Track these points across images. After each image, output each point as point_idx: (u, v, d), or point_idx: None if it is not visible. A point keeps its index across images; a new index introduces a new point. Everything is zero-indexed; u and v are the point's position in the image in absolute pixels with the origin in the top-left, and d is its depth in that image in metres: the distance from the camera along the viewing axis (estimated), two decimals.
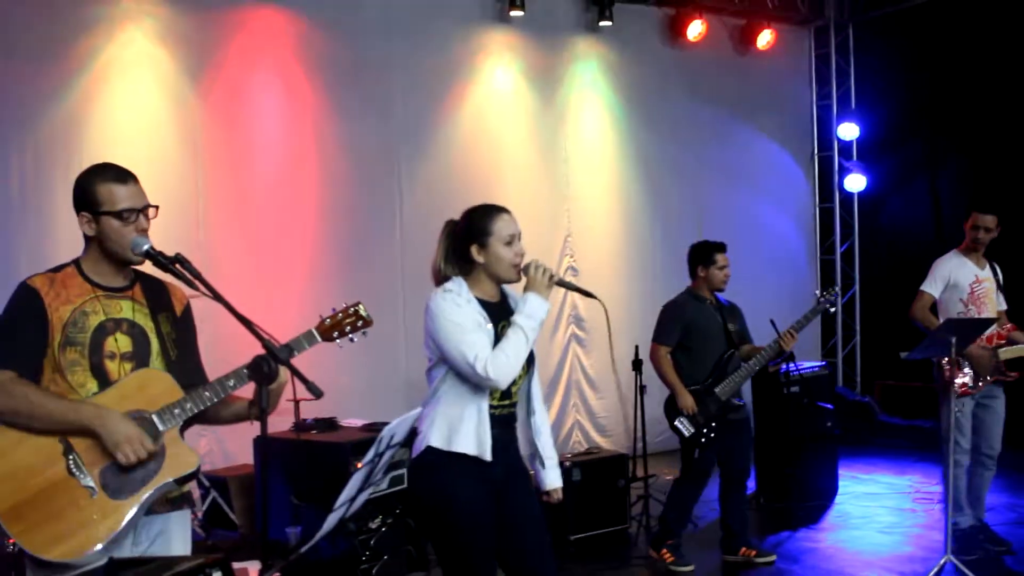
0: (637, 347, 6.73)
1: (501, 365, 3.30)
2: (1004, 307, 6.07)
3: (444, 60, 8.31)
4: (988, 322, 5.67)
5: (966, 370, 5.83)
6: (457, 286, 3.45)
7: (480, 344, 3.33)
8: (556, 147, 8.97)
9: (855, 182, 10.89)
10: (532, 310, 3.40)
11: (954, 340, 5.32)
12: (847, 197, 11.18)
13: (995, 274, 6.11)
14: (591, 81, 9.26)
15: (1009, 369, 5.88)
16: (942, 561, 5.39)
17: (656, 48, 9.65)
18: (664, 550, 5.92)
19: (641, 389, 6.82)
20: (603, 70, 9.32)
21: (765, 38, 10.14)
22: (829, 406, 7.78)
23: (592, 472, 6.49)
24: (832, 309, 6.13)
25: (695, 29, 9.50)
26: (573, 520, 6.35)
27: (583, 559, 6.12)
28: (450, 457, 3.37)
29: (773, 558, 5.93)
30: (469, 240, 3.48)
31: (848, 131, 10.92)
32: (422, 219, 7.41)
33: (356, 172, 7.80)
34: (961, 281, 5.97)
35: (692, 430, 5.67)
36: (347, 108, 7.76)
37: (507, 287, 3.63)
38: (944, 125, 10.41)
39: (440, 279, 3.54)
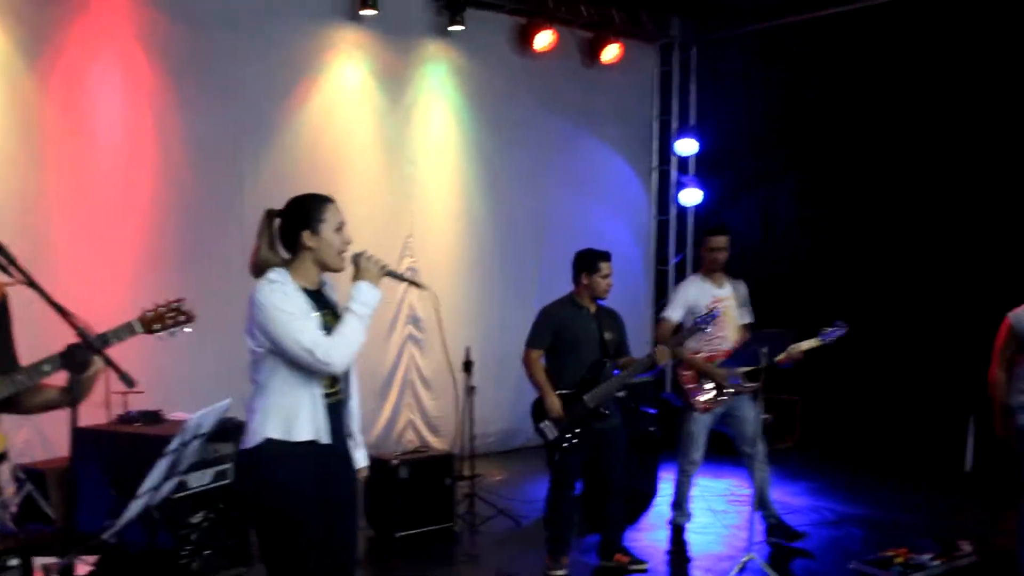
0: (468, 348, 6.87)
1: (340, 350, 3.39)
2: (747, 320, 6.50)
3: (292, 54, 8.24)
4: (793, 333, 6.02)
5: (707, 387, 6.23)
6: (281, 276, 3.48)
7: (314, 331, 3.39)
8: (402, 148, 9.01)
9: (691, 196, 11.30)
10: (366, 298, 3.49)
11: (765, 350, 5.66)
12: (683, 210, 11.60)
13: (736, 291, 6.53)
14: (440, 84, 9.34)
15: (749, 380, 6.27)
16: (744, 559, 5.73)
17: (506, 55, 9.80)
18: (620, 555, 5.99)
19: (469, 390, 6.94)
20: (452, 74, 9.42)
21: (612, 52, 10.42)
22: (653, 411, 8.10)
23: (419, 470, 6.57)
24: (825, 341, 6.31)
25: (544, 39, 9.69)
26: (400, 517, 6.44)
27: (409, 556, 6.20)
28: (290, 447, 3.41)
29: (645, 566, 5.99)
30: (300, 226, 3.52)
31: (686, 146, 11.32)
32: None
33: (198, 163, 7.66)
34: (699, 303, 6.36)
35: (556, 434, 5.65)
36: (191, 98, 7.62)
37: (324, 277, 3.68)
38: (777, 145, 10.93)
39: (259, 270, 3.55)
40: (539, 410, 5.74)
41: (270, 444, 3.41)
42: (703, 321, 6.00)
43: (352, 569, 3.70)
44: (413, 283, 3.91)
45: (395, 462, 6.50)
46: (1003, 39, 8.80)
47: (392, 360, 8.85)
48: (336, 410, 3.57)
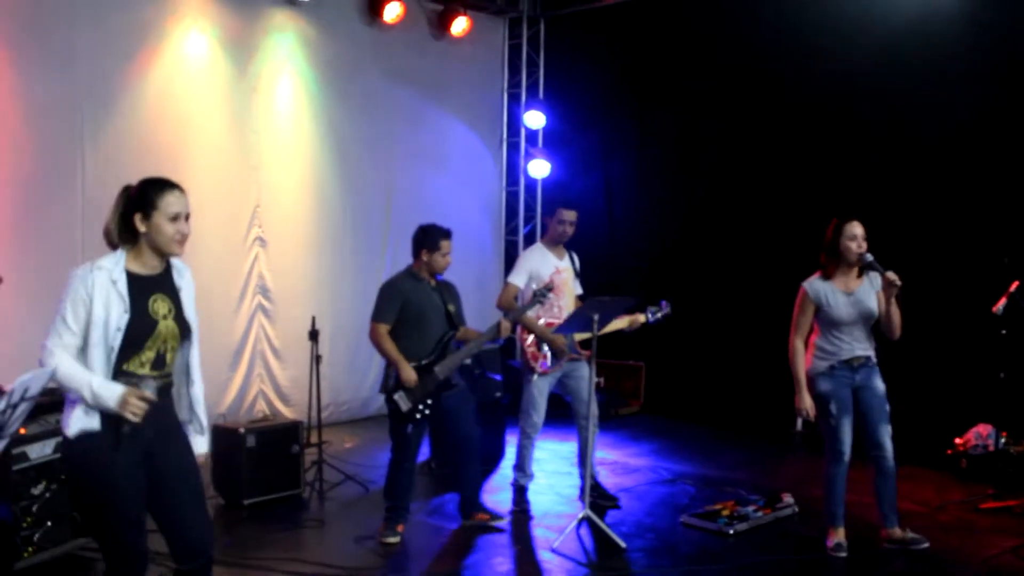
0: (314, 318, 6.93)
1: (52, 363, 3.40)
2: (579, 292, 6.74)
3: (134, 19, 8.04)
4: (628, 301, 6.29)
5: (547, 351, 6.51)
6: (112, 262, 3.51)
7: (68, 335, 3.43)
8: (248, 117, 8.92)
9: (539, 168, 11.54)
10: (103, 398, 3.40)
11: (597, 317, 5.91)
12: (531, 182, 11.84)
13: (572, 263, 6.79)
14: (287, 54, 9.27)
15: (583, 346, 6.57)
16: (581, 515, 6.00)
17: (354, 26, 9.78)
18: (479, 513, 6.17)
19: (317, 359, 7.00)
20: (300, 44, 9.36)
21: (460, 25, 10.53)
22: (498, 377, 8.33)
23: (267, 438, 6.63)
24: (650, 322, 6.49)
25: (392, 11, 9.72)
26: (247, 485, 6.49)
27: (257, 523, 6.24)
28: (101, 432, 3.45)
29: (504, 519, 6.25)
30: (135, 209, 3.54)
31: (535, 119, 11.54)
32: (106, 183, 7.18)
33: (34, 129, 7.44)
34: (542, 272, 6.59)
35: (409, 404, 5.76)
36: (26, 60, 7.38)
37: (176, 261, 3.71)
38: (622, 119, 11.25)
39: (112, 242, 3.58)
40: (390, 382, 5.84)
41: (82, 432, 3.47)
42: (543, 293, 6.20)
43: (207, 543, 3.74)
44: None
45: (242, 430, 6.54)
46: (833, 22, 9.28)
47: (242, 330, 8.81)
48: (160, 392, 3.58)
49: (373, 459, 8.06)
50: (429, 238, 5.97)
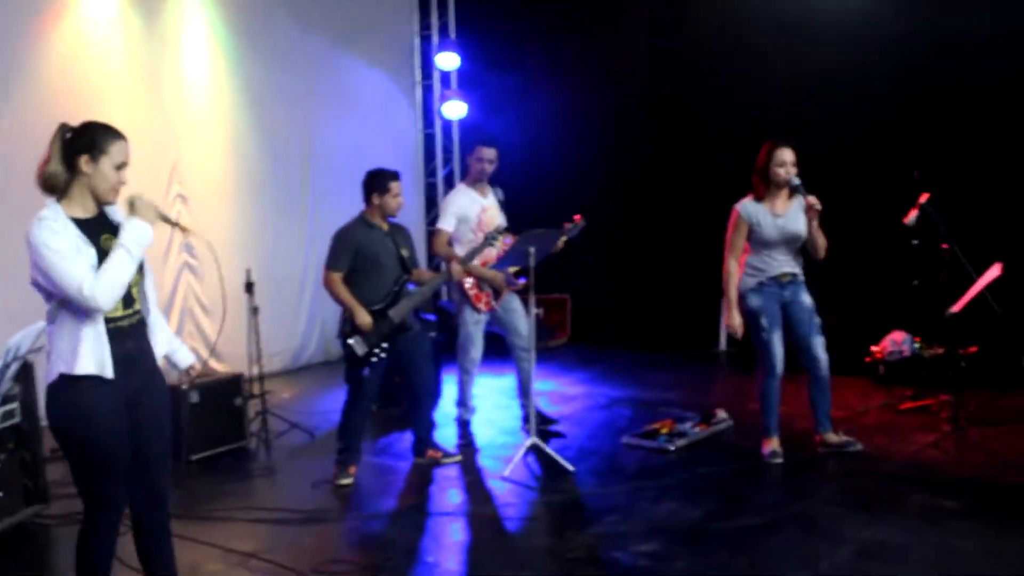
0: (249, 270, 6.94)
1: (104, 288, 3.39)
2: (505, 225, 6.77)
3: None
4: (560, 232, 6.41)
5: (487, 289, 6.66)
6: (53, 212, 3.46)
7: (82, 269, 3.39)
8: (161, 72, 8.77)
9: (454, 109, 11.57)
10: (137, 234, 3.49)
11: (532, 250, 6.05)
12: (447, 124, 11.87)
13: (498, 197, 6.91)
14: (196, 6, 9.11)
15: (517, 278, 6.75)
16: (528, 443, 6.19)
17: None
18: (432, 451, 6.31)
19: (254, 310, 7.02)
20: None
21: None
22: (433, 317, 8.44)
23: (209, 393, 6.63)
24: (571, 237, 6.54)
25: None
26: (192, 441, 6.50)
27: (206, 477, 6.26)
28: (78, 380, 3.45)
29: (459, 457, 6.38)
30: (82, 150, 3.49)
31: (448, 61, 11.55)
32: (21, 141, 7.09)
33: None
34: (470, 213, 6.71)
35: (365, 348, 5.82)
36: None
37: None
38: (534, 57, 11.34)
39: (46, 183, 3.52)
40: (346, 328, 5.89)
41: (63, 379, 3.46)
42: (492, 238, 6.28)
43: (167, 494, 3.81)
44: (183, 229, 3.98)
45: (184, 386, 6.53)
46: None
47: (169, 288, 8.72)
48: (135, 333, 3.62)
49: (313, 406, 8.16)
50: (379, 181, 5.99)
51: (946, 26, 8.41)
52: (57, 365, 3.47)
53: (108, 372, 3.49)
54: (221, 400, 6.73)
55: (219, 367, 8.87)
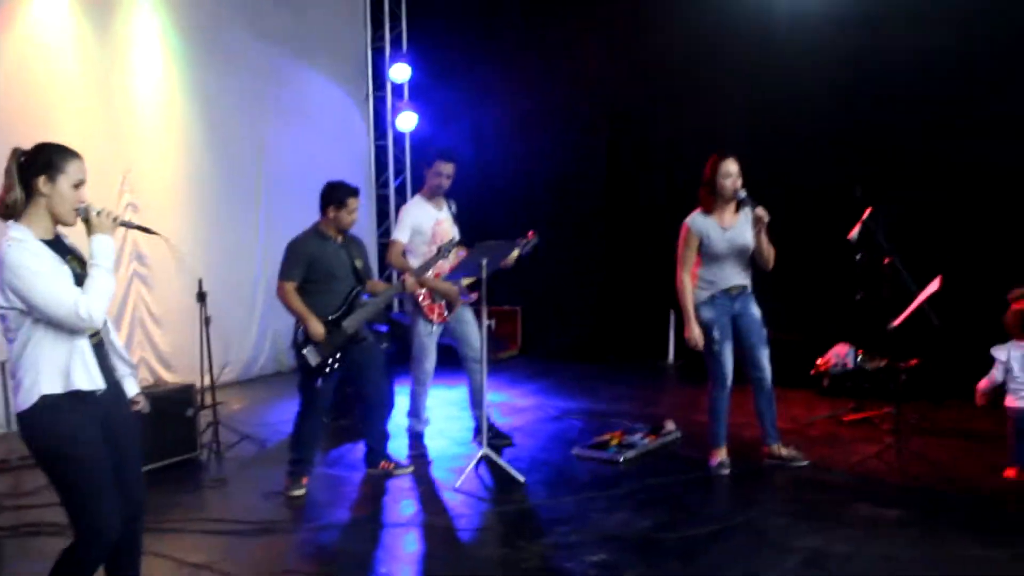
0: (200, 280, 6.92)
1: (96, 305, 3.42)
2: (458, 238, 6.84)
3: None
4: (513, 244, 6.47)
5: (440, 301, 6.74)
6: (24, 234, 3.44)
7: (70, 289, 3.41)
8: (112, 79, 8.71)
9: (407, 121, 11.63)
10: (107, 250, 3.53)
11: (485, 262, 6.11)
12: (399, 135, 11.91)
13: (451, 210, 6.98)
14: (148, 14, 9.07)
15: (470, 290, 6.83)
16: (480, 454, 6.25)
17: None
18: (383, 461, 6.31)
19: (206, 320, 7.00)
20: (161, 4, 9.17)
21: None
22: (385, 328, 8.47)
23: (161, 404, 6.56)
24: (523, 253, 6.57)
25: None
26: (144, 451, 6.44)
27: (157, 488, 6.18)
28: (68, 398, 3.44)
29: (411, 468, 6.41)
30: (38, 171, 3.48)
31: (400, 73, 11.61)
32: None
33: None
34: (424, 225, 6.80)
35: (319, 359, 5.82)
36: None
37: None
38: (489, 68, 11.42)
39: (7, 210, 3.50)
40: (299, 338, 5.89)
41: (45, 400, 3.43)
42: (446, 250, 6.32)
43: (143, 502, 3.81)
44: (146, 231, 4.00)
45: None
46: None
47: (120, 298, 8.64)
48: (100, 351, 3.63)
49: (263, 418, 8.15)
50: (337, 194, 6.00)
51: (894, 46, 8.62)
52: (38, 386, 3.42)
53: (101, 384, 3.51)
54: (172, 411, 6.69)
55: (169, 377, 8.84)
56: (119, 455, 3.66)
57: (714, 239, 5.97)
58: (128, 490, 3.70)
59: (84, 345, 3.51)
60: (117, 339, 3.84)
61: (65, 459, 3.49)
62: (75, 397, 3.47)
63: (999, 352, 5.84)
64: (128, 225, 3.85)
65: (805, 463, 6.20)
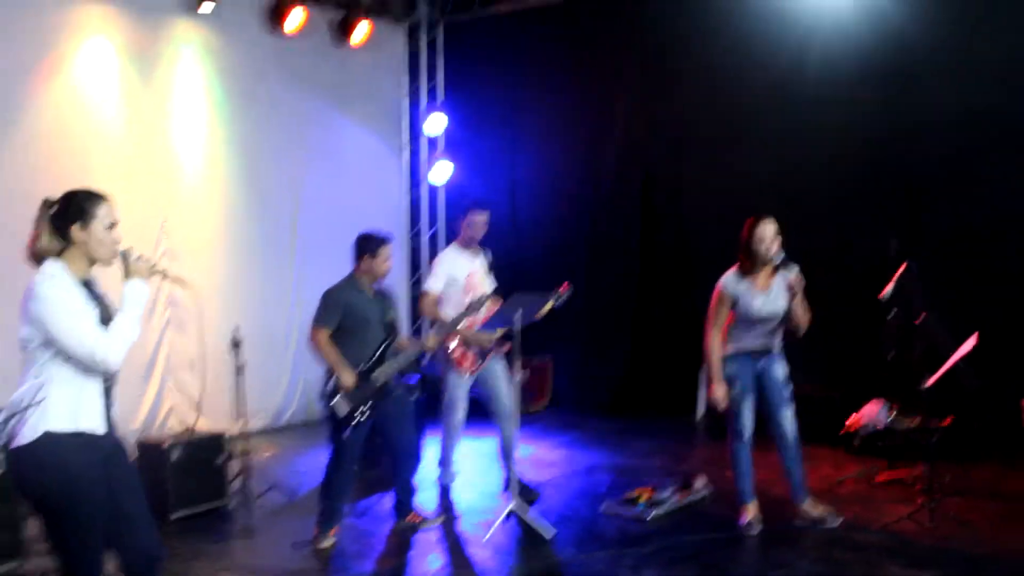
0: (237, 327, 6.99)
1: (115, 349, 3.50)
2: (493, 287, 6.87)
3: (34, 28, 7.96)
4: (547, 296, 6.48)
5: (472, 352, 6.74)
6: (58, 269, 3.54)
7: (93, 330, 3.48)
8: (155, 129, 8.88)
9: (441, 172, 11.71)
10: (139, 296, 3.64)
11: (519, 314, 6.13)
12: (434, 186, 12.00)
13: (486, 259, 6.99)
14: (192, 64, 9.24)
15: (501, 342, 6.83)
16: (508, 509, 6.22)
17: (256, 35, 9.76)
18: (411, 514, 6.33)
19: (240, 368, 7.04)
20: (204, 54, 9.33)
21: (361, 32, 10.60)
22: (415, 379, 8.49)
23: (191, 451, 6.64)
24: (556, 306, 6.62)
25: (294, 20, 9.76)
26: (173, 499, 6.50)
27: (185, 536, 6.23)
28: (74, 437, 3.49)
29: (439, 520, 6.42)
30: (72, 220, 3.59)
31: (435, 124, 11.71)
32: (10, 198, 7.19)
33: None
34: (458, 275, 6.81)
35: (348, 408, 5.84)
36: None
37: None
38: (521, 121, 11.53)
39: (37, 258, 3.60)
40: (329, 387, 5.91)
41: (50, 437, 3.46)
42: (476, 306, 6.35)
43: (159, 553, 3.83)
44: (178, 281, 4.07)
45: (166, 444, 6.56)
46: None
47: (153, 343, 8.74)
48: (108, 396, 3.68)
49: (294, 466, 8.18)
50: (370, 244, 6.05)
51: (926, 102, 8.62)
52: (44, 423, 3.46)
53: (104, 427, 3.57)
54: (202, 459, 6.73)
55: (201, 423, 8.87)
56: (125, 503, 3.69)
57: (746, 302, 5.95)
58: (142, 539, 3.73)
59: (95, 387, 3.57)
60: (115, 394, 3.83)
61: (67, 497, 3.50)
62: (79, 437, 3.51)
63: None
64: (164, 274, 3.91)
65: (837, 522, 6.12)
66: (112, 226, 3.65)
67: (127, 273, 3.67)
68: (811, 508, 6.19)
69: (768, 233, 5.90)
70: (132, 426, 8.23)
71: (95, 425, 3.56)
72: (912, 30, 8.64)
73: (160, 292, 8.76)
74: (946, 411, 7.73)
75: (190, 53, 9.25)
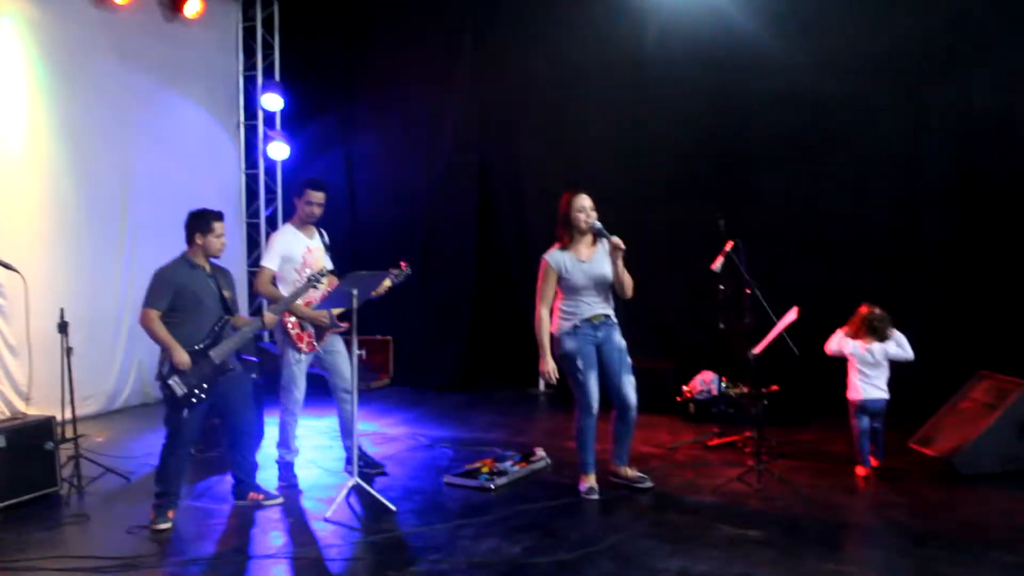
0: (63, 310, 6.74)
1: None
2: (331, 267, 6.86)
3: None
4: (384, 275, 6.51)
5: (309, 330, 6.73)
6: None
7: None
8: None
9: (278, 150, 11.54)
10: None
11: (355, 292, 6.12)
12: (271, 164, 11.81)
13: (323, 240, 6.98)
14: (10, 38, 8.80)
15: (340, 320, 6.84)
16: (349, 483, 6.22)
17: (81, 7, 9.40)
18: (251, 492, 6.22)
19: (68, 351, 6.80)
20: (25, 27, 8.89)
21: (194, 7, 10.36)
22: (255, 359, 8.38)
23: (18, 437, 6.38)
24: (395, 284, 6.54)
25: None
26: (0, 488, 6.25)
27: (15, 524, 5.99)
28: None
29: (281, 499, 6.33)
30: None
31: (272, 102, 11.52)
32: None
33: None
34: (294, 253, 6.76)
35: (185, 389, 5.75)
36: None
37: None
38: (358, 98, 11.46)
39: None
40: (165, 368, 5.81)
41: None
42: (315, 279, 6.32)
43: None
44: (5, 266, 3.92)
45: None
46: None
47: None
48: None
49: (128, 451, 7.95)
50: (202, 221, 5.99)
51: (751, 88, 9.01)
52: None
53: None
54: (30, 444, 6.48)
55: (28, 410, 8.53)
56: None
57: (572, 271, 6.13)
58: None
59: None
60: None
61: None
62: None
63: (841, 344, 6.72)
64: None
65: (650, 484, 6.40)
66: None
67: None
68: (627, 471, 6.46)
69: (585, 204, 6.15)
70: None
71: None
72: (742, 18, 9.01)
73: None
74: (773, 380, 8.13)
75: (8, 25, 8.79)
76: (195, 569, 5.17)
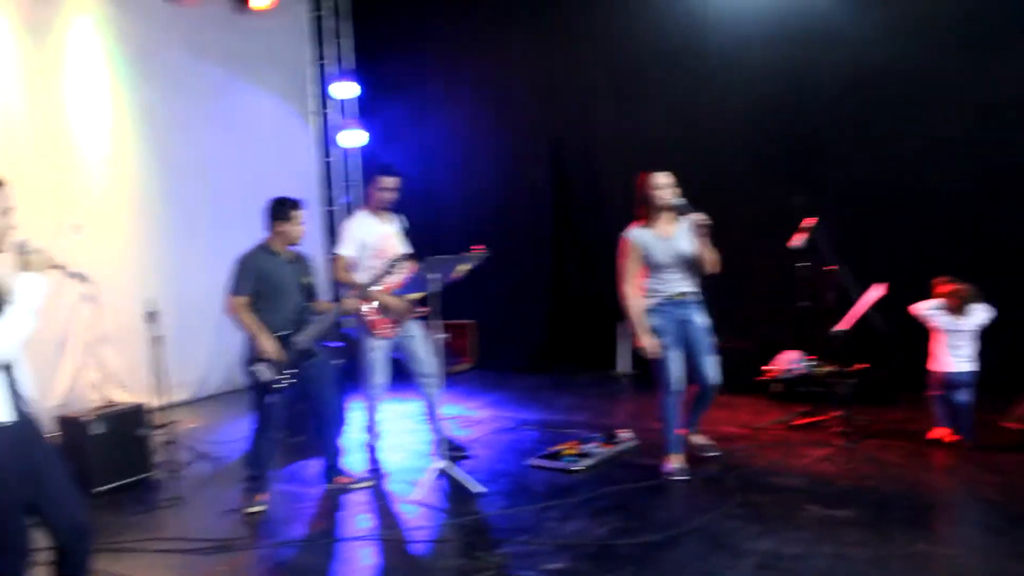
0: (151, 299, 6.89)
1: (5, 342, 3.42)
2: (408, 252, 6.80)
3: None
4: (463, 258, 6.51)
5: (388, 316, 6.75)
6: None
7: None
8: (53, 102, 8.64)
9: (353, 138, 11.63)
10: (32, 291, 3.50)
11: (434, 276, 6.15)
12: (348, 152, 11.92)
13: (402, 224, 6.94)
14: (89, 36, 9.01)
15: (420, 305, 6.84)
16: (435, 466, 6.28)
17: (153, 4, 9.59)
18: (341, 477, 6.37)
19: (157, 340, 6.94)
20: (101, 25, 9.11)
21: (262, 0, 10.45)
22: (338, 344, 8.47)
23: (113, 424, 6.57)
24: (474, 267, 6.60)
25: None
26: (98, 473, 6.43)
27: (112, 509, 6.16)
28: None
29: (369, 483, 6.42)
30: None
31: (344, 90, 11.62)
32: None
33: None
34: (369, 240, 6.76)
35: (271, 375, 5.85)
36: None
37: None
38: (431, 86, 11.49)
39: None
40: (251, 355, 5.91)
41: None
42: (393, 265, 6.35)
43: (88, 526, 3.81)
44: (77, 277, 3.99)
45: (87, 418, 6.47)
46: None
47: (65, 321, 8.56)
48: (10, 382, 3.60)
49: (220, 436, 8.12)
50: (281, 209, 6.06)
51: (825, 61, 8.82)
52: None
53: (10, 416, 3.50)
54: (125, 431, 6.66)
55: (122, 396, 8.75)
56: (46, 484, 3.65)
57: (655, 249, 6.10)
58: (67, 518, 3.70)
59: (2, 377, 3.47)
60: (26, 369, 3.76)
61: None
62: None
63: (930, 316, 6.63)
64: (59, 267, 3.79)
65: (718, 452, 6.48)
66: (7, 212, 3.55)
67: (23, 265, 3.53)
68: (696, 438, 6.52)
69: (663, 181, 6.10)
70: (50, 403, 8.07)
71: (8, 415, 3.49)
72: None
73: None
74: (861, 358, 7.99)
75: (87, 25, 9.00)
76: (286, 551, 5.26)
